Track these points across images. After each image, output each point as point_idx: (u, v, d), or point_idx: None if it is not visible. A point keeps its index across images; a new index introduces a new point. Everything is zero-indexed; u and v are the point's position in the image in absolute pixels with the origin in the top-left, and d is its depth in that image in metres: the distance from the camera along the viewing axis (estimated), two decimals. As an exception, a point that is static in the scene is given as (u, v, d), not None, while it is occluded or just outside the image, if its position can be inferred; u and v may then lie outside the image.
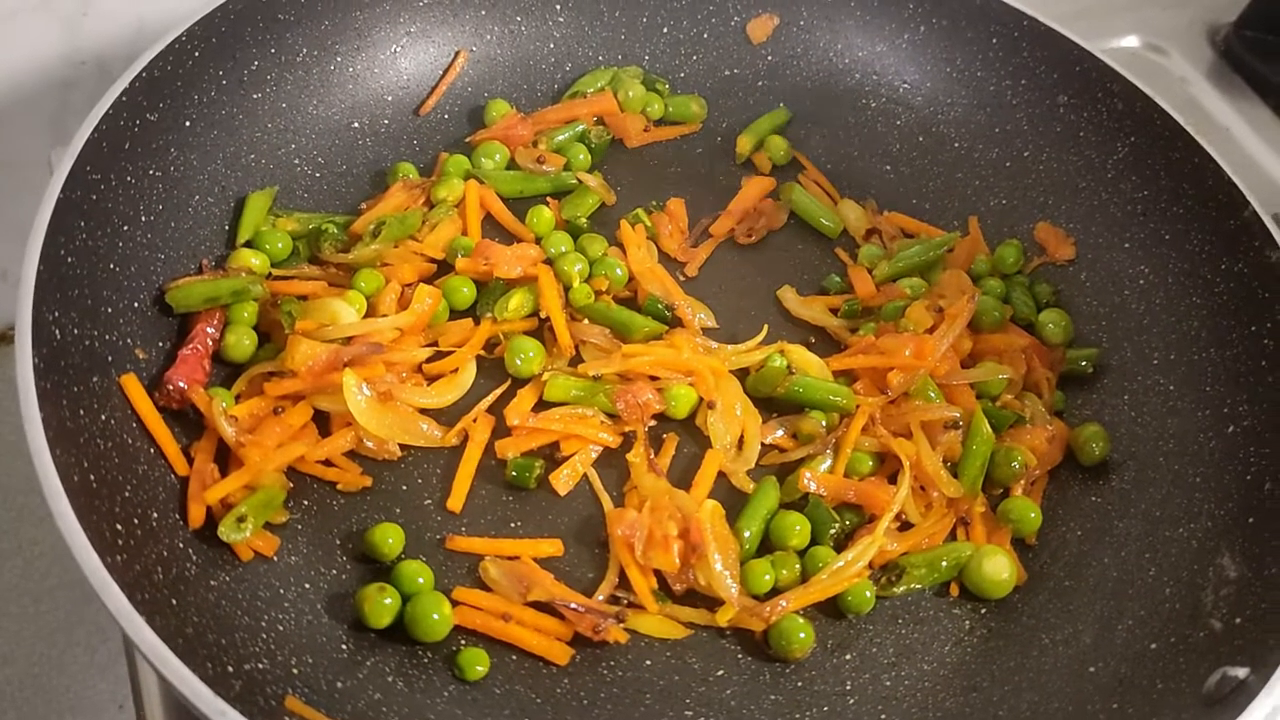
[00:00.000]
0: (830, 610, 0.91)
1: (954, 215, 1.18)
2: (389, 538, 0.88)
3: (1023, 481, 0.98)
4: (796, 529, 0.92)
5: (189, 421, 0.90)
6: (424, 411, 0.96)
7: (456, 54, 1.18)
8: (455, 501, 0.93)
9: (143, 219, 0.94)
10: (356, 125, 1.13)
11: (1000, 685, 0.87)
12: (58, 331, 0.82)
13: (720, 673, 0.87)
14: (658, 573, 0.90)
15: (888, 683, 0.88)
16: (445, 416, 0.96)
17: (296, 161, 1.09)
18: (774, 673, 0.88)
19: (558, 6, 1.22)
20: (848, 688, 0.87)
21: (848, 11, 1.23)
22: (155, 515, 0.82)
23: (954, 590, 0.93)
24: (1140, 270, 1.08)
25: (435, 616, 0.84)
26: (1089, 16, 1.55)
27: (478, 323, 1.02)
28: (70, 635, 1.05)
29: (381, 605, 0.83)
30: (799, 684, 0.87)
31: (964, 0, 1.18)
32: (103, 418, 0.83)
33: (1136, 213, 1.10)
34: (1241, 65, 1.55)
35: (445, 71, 1.18)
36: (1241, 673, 0.77)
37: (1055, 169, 1.15)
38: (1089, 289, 1.11)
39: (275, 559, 0.86)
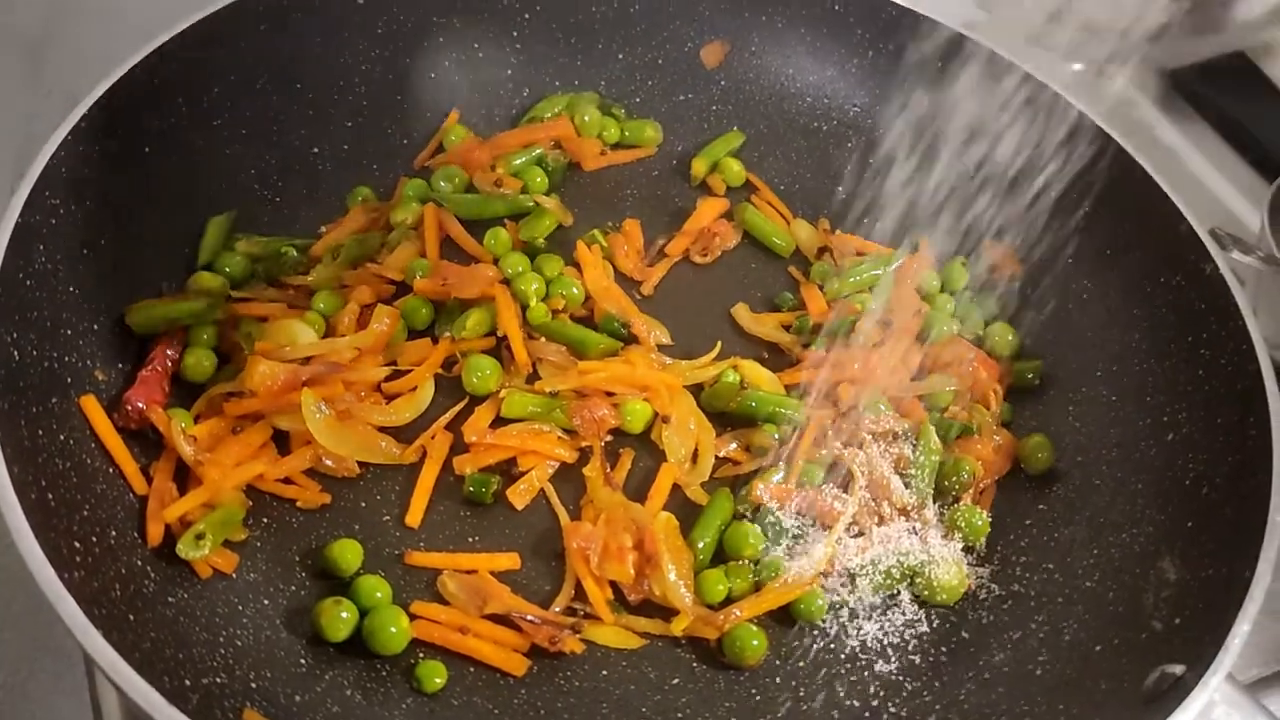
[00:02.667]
0: (783, 618, 0.93)
1: (903, 233, 1.20)
2: (348, 553, 0.89)
3: (971, 490, 1.00)
4: (750, 539, 0.94)
5: (148, 441, 0.91)
6: (383, 429, 0.97)
7: (449, 113, 1.22)
8: (413, 517, 0.94)
9: (102, 243, 0.95)
10: (315, 150, 1.15)
11: (951, 689, 0.89)
12: (16, 353, 0.83)
13: (675, 681, 0.89)
14: (613, 584, 0.91)
15: (840, 689, 0.89)
16: (404, 434, 0.98)
17: (256, 186, 1.10)
18: (728, 680, 0.89)
19: (515, 34, 1.24)
20: (801, 694, 0.89)
21: (798, 38, 1.26)
22: (114, 533, 0.83)
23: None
24: (1083, 285, 1.11)
25: (393, 630, 0.85)
26: (1038, 41, 1.59)
27: (436, 342, 1.03)
28: (35, 661, 1.05)
29: (338, 619, 0.84)
30: (753, 691, 0.89)
31: (910, 26, 1.21)
32: (61, 438, 0.84)
33: (1078, 229, 1.13)
34: (1185, 88, 1.59)
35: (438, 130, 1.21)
36: (1179, 670, 0.79)
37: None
38: (1034, 303, 1.13)
39: (234, 575, 0.87)
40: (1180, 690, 0.77)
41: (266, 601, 0.87)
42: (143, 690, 0.69)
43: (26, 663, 1.03)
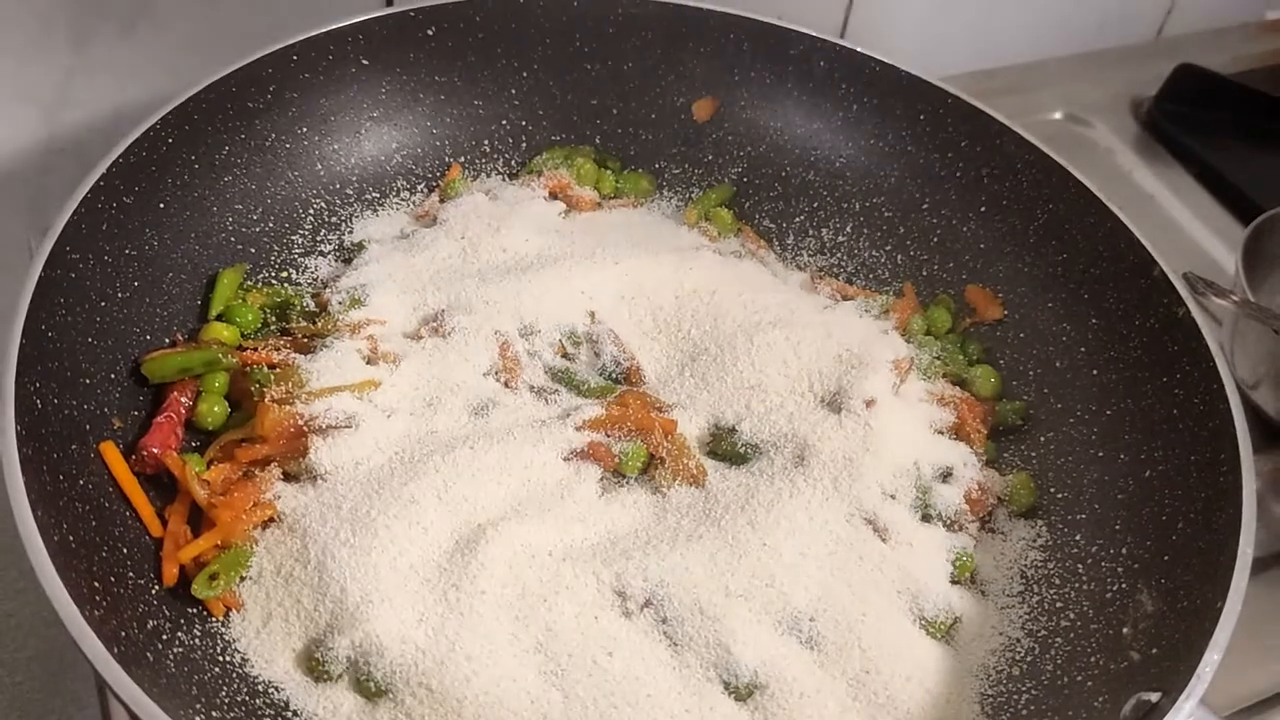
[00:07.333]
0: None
1: (889, 279, 1.25)
2: (355, 592, 0.92)
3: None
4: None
5: (163, 485, 0.94)
6: (388, 472, 1.00)
7: (450, 166, 1.26)
8: (418, 557, 0.97)
9: (119, 296, 0.99)
10: (323, 204, 1.19)
11: (937, 719, 0.92)
12: (39, 401, 0.86)
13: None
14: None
15: None
16: (408, 477, 1.01)
17: (266, 240, 1.14)
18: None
19: (513, 91, 1.29)
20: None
21: (785, 93, 1.30)
22: (131, 574, 0.86)
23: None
24: (1063, 328, 1.15)
25: (399, 666, 0.88)
26: (1018, 92, 1.64)
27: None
28: (46, 705, 1.07)
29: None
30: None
31: (893, 81, 1.26)
32: (81, 482, 0.87)
33: (1057, 274, 1.17)
34: (1163, 135, 1.65)
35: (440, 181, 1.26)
36: (1154, 697, 0.82)
37: (982, 235, 1.23)
38: (1016, 346, 1.17)
39: (246, 613, 0.90)
40: (1155, 715, 0.80)
41: (277, 637, 0.90)
42: (162, 722, 0.72)
43: (39, 706, 1.05)
